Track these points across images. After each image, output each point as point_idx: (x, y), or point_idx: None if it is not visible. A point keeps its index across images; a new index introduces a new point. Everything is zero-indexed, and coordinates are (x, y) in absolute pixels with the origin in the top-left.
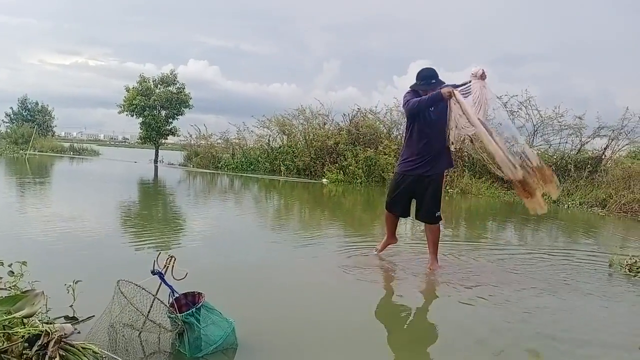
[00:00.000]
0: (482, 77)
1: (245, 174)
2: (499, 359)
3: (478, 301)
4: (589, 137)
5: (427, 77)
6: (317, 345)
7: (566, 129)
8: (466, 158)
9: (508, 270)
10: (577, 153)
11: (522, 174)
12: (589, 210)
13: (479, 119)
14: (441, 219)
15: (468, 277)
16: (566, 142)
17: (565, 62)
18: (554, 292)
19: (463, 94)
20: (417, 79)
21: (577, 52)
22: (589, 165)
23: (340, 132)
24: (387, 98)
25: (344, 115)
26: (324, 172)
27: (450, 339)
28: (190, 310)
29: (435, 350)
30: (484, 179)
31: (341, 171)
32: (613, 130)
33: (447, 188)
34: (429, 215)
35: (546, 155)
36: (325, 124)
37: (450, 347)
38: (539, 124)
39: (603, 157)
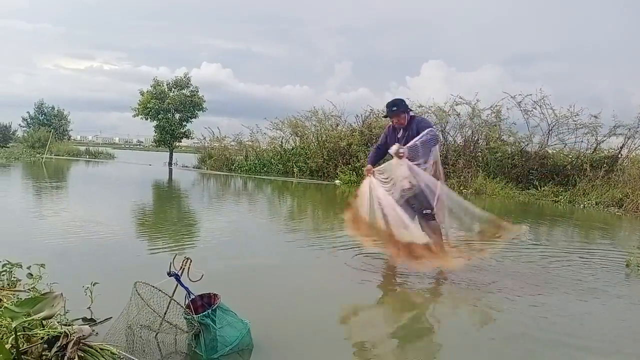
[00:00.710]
0: (398, 155)
1: (258, 176)
2: None
3: (491, 303)
4: (605, 136)
5: (389, 105)
6: (331, 346)
7: (581, 128)
8: (480, 158)
9: (522, 271)
10: (593, 152)
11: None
12: (606, 210)
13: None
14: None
15: (482, 279)
16: (582, 142)
17: (576, 61)
18: (568, 293)
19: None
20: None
21: (588, 51)
22: (605, 165)
23: (353, 133)
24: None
25: (357, 116)
26: (337, 174)
27: (461, 340)
28: (206, 312)
29: (446, 351)
30: (498, 179)
31: (354, 172)
32: (629, 129)
33: (461, 189)
34: (424, 212)
35: (561, 155)
36: (337, 125)
37: (461, 348)
38: (553, 123)
39: (619, 156)
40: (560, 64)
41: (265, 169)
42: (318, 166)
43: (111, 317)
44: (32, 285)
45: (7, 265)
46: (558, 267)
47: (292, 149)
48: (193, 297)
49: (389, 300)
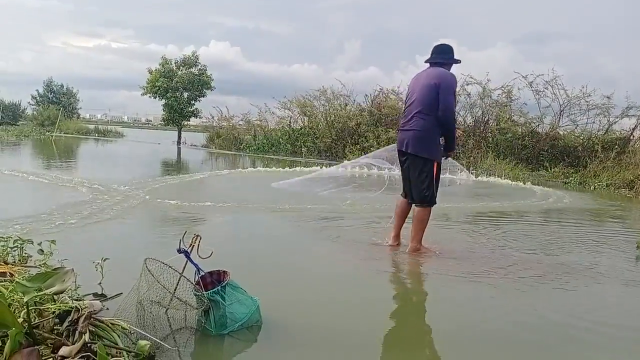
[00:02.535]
0: None
1: (266, 155)
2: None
3: (503, 290)
4: (617, 117)
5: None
6: (338, 325)
7: (593, 108)
8: (490, 139)
9: (527, 252)
10: (605, 133)
11: None
12: (616, 191)
13: None
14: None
15: (493, 264)
16: (593, 122)
17: (590, 40)
18: (576, 278)
19: None
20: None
21: (602, 31)
22: (616, 146)
23: (362, 113)
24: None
25: (366, 96)
26: (345, 154)
27: (472, 328)
28: (215, 289)
29: (456, 339)
30: (507, 160)
31: (363, 152)
32: None
33: (470, 169)
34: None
35: (573, 136)
36: (346, 104)
37: (471, 336)
38: (565, 104)
39: (631, 137)
40: (573, 43)
41: (273, 148)
42: (326, 146)
43: (121, 293)
44: (43, 261)
45: (18, 242)
46: (570, 250)
47: (301, 129)
48: (203, 274)
49: (400, 282)
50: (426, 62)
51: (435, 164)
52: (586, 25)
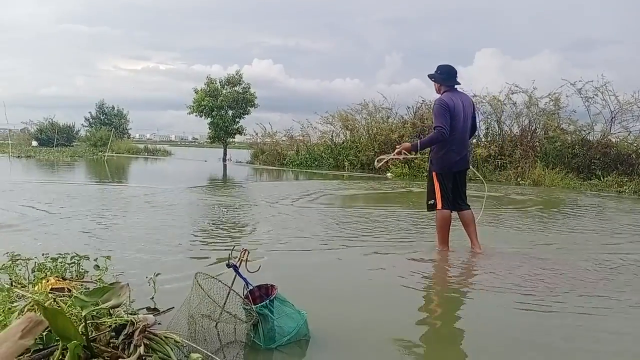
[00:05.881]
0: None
1: (309, 170)
2: None
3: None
4: None
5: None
6: (385, 341)
7: None
8: (538, 148)
9: (582, 270)
10: None
11: None
12: None
13: None
14: (432, 208)
15: (559, 283)
16: None
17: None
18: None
19: None
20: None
21: None
22: None
23: (405, 125)
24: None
25: (408, 108)
26: (389, 167)
27: (499, 342)
28: (264, 302)
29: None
30: (557, 169)
31: (406, 165)
32: None
33: (518, 180)
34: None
35: (626, 143)
36: (388, 117)
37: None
38: (617, 110)
39: None
40: (624, 47)
41: (316, 163)
42: (369, 159)
43: (173, 307)
44: (99, 277)
45: (76, 258)
46: (617, 268)
47: (343, 143)
48: (251, 287)
49: (441, 299)
50: (454, 85)
51: None
52: (635, 29)
